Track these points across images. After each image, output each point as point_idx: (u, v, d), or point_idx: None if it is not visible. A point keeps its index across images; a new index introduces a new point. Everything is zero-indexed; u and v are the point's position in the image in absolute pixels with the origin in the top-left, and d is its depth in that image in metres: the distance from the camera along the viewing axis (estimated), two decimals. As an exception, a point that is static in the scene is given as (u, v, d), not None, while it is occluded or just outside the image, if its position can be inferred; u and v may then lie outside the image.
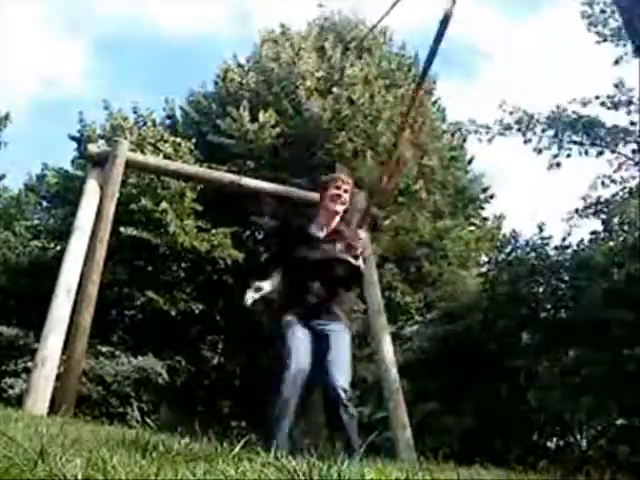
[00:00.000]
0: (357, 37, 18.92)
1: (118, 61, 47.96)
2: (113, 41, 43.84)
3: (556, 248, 13.48)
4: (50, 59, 46.16)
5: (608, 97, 13.82)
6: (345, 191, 4.32)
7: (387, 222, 16.19)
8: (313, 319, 4.04)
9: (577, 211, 14.22)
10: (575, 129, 14.16)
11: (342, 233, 4.24)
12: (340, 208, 4.30)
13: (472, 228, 18.98)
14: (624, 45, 13.78)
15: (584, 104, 14.03)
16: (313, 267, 4.12)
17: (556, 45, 38.35)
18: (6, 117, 19.45)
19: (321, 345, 3.96)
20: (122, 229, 14.27)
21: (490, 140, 14.88)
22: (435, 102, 19.99)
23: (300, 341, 3.92)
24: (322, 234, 4.29)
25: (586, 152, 14.37)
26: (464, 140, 19.33)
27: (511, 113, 14.56)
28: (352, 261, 4.04)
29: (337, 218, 4.33)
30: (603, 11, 13.92)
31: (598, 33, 14.05)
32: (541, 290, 13.35)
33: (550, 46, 39.23)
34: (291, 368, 3.79)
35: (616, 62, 13.86)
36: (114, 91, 44.03)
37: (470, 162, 19.83)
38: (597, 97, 13.98)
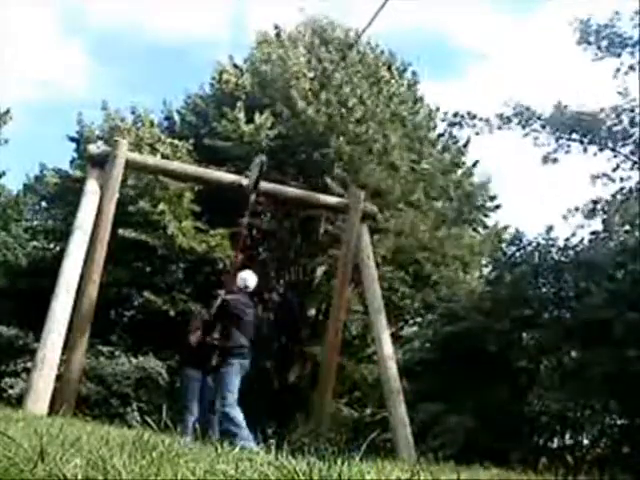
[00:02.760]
0: (340, 38, 18.90)
1: (116, 63, 48.01)
2: (111, 43, 43.88)
3: (559, 249, 13.45)
4: (49, 61, 46.18)
5: (612, 109, 13.74)
6: None
7: (388, 224, 16.18)
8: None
9: (576, 210, 14.16)
10: (574, 127, 14.08)
11: None
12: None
13: (473, 234, 18.91)
14: (619, 55, 13.78)
15: (584, 114, 13.93)
16: None
17: (551, 45, 38.36)
18: (7, 112, 19.43)
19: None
20: (121, 231, 14.26)
21: (490, 132, 14.69)
22: (421, 99, 19.76)
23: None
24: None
25: (585, 150, 14.29)
26: (465, 145, 19.28)
27: (514, 109, 14.42)
28: None
29: None
30: (597, 31, 13.89)
31: (595, 54, 14.03)
32: (544, 291, 13.33)
33: (546, 46, 39.25)
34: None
35: (615, 73, 13.83)
36: (112, 93, 44.13)
37: (475, 165, 19.76)
38: (602, 110, 13.89)
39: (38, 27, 42.98)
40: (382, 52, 19.54)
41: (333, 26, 19.44)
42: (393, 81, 18.39)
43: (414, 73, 19.79)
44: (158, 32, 48.29)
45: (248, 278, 7.27)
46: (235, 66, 19.17)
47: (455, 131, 17.30)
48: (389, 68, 18.92)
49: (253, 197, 9.01)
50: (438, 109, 19.46)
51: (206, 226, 15.98)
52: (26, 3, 36.88)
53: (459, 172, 19.13)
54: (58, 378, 7.96)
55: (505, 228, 18.99)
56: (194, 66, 37.82)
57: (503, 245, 16.00)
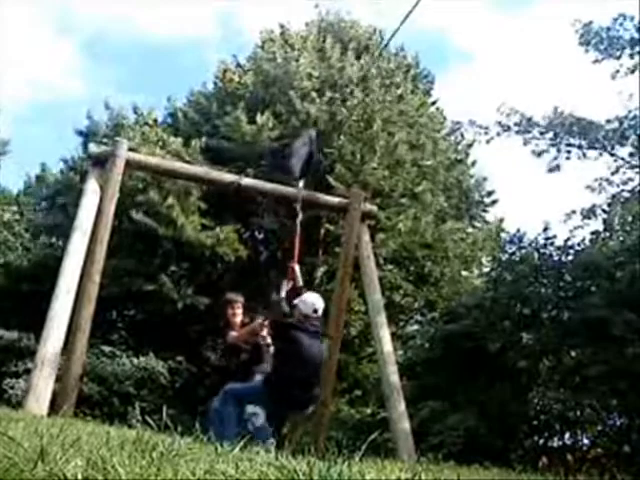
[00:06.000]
0: (354, 37, 18.92)
1: (111, 62, 48.04)
2: (106, 42, 43.91)
3: (559, 249, 13.45)
4: (44, 60, 46.19)
5: (611, 111, 13.88)
6: (238, 308, 6.73)
7: (390, 223, 16.18)
8: None
9: (573, 212, 14.23)
10: (572, 133, 14.15)
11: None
12: (239, 319, 6.77)
13: (473, 230, 19.01)
14: (618, 57, 13.81)
15: (583, 118, 14.00)
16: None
17: (549, 46, 38.34)
18: (6, 143, 19.64)
19: None
20: (133, 214, 14.63)
21: (488, 141, 14.88)
22: (434, 102, 20.00)
23: None
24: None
25: (584, 155, 14.40)
26: (470, 145, 19.39)
27: (508, 115, 14.54)
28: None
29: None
30: (598, 33, 13.94)
31: (596, 57, 14.09)
32: (544, 290, 13.33)
33: (543, 47, 39.23)
34: None
35: (613, 76, 13.85)
36: (107, 92, 44.21)
37: (473, 164, 19.92)
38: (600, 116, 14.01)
39: (32, 26, 42.99)
40: (404, 56, 19.65)
41: (348, 24, 19.48)
42: (406, 84, 18.44)
43: (431, 80, 19.99)
44: (151, 31, 48.33)
45: (315, 301, 5.90)
46: (238, 65, 19.22)
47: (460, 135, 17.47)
48: (406, 72, 19.03)
49: (302, 184, 7.15)
50: (442, 110, 19.67)
51: (212, 223, 16.10)
52: (20, 2, 36.92)
53: (459, 169, 19.27)
54: (58, 378, 7.96)
55: (501, 221, 19.19)
56: (189, 65, 37.91)
57: (502, 242, 16.03)
